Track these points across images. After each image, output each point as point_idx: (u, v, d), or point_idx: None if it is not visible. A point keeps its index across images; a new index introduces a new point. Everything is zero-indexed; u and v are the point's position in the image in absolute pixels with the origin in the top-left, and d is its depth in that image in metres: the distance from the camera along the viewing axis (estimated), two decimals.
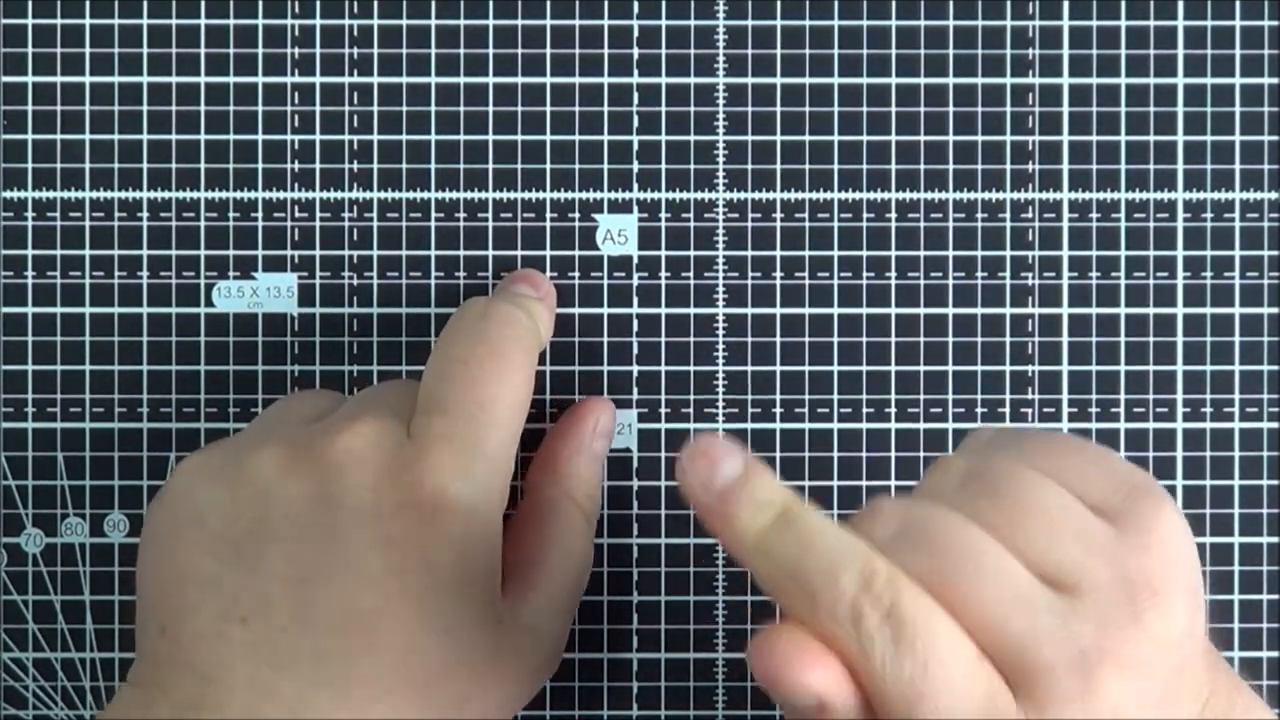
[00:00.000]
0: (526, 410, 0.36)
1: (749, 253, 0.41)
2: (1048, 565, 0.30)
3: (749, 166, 0.41)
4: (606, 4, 0.41)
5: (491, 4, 0.41)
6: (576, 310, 0.41)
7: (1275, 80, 0.41)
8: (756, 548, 0.30)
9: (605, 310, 0.41)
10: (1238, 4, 0.41)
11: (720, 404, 0.41)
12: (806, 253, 0.41)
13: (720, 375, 0.41)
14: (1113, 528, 0.30)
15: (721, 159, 0.41)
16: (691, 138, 0.41)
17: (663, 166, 0.41)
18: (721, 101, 0.41)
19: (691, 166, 0.41)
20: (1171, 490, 0.41)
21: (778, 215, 0.41)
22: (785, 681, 0.29)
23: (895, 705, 0.29)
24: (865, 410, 0.41)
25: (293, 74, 0.41)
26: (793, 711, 0.30)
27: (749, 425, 0.41)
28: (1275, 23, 0.41)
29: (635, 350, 0.41)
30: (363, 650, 0.32)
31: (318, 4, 0.41)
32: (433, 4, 0.41)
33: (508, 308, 0.37)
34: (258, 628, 0.33)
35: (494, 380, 0.35)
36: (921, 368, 0.41)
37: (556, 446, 0.40)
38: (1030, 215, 0.41)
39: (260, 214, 0.41)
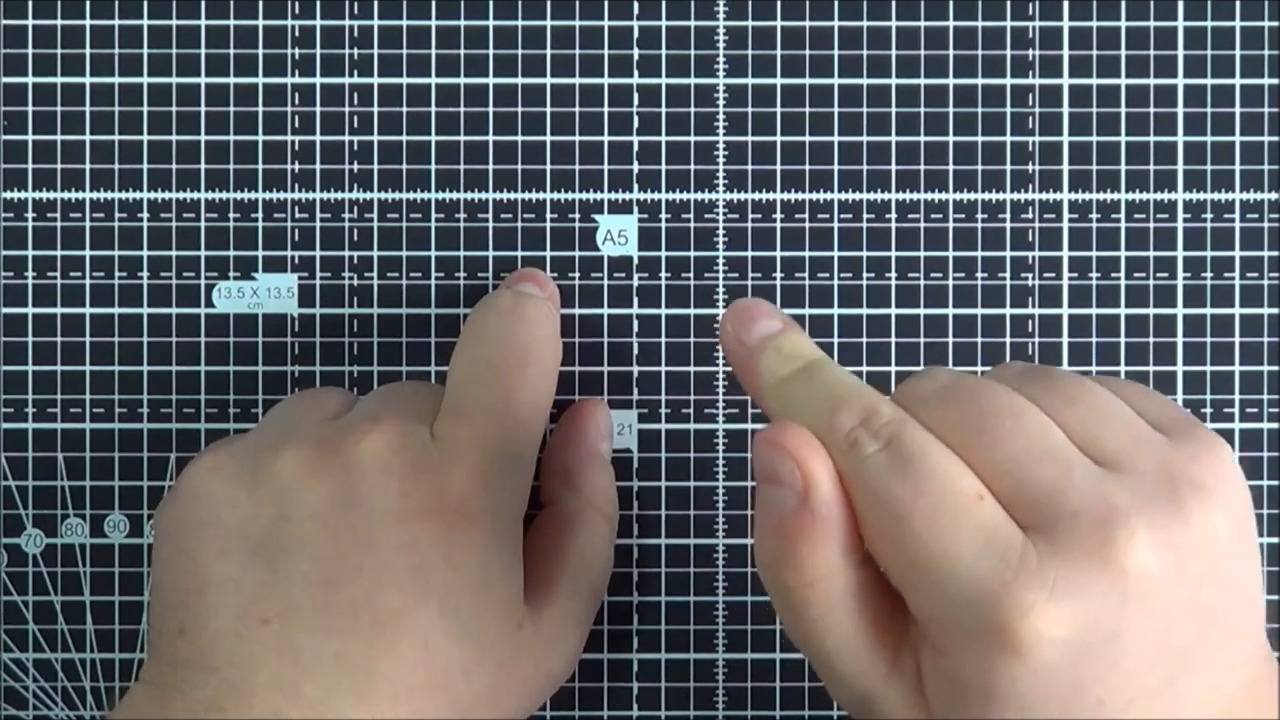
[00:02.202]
0: (549, 411, 0.36)
1: (749, 253, 0.41)
2: (1092, 444, 0.30)
3: (749, 167, 0.41)
4: (606, 5, 0.41)
5: (491, 5, 0.41)
6: (576, 311, 0.41)
7: (1275, 81, 0.41)
8: (773, 393, 0.31)
9: (605, 311, 0.41)
10: (1238, 5, 0.41)
11: (720, 404, 0.41)
12: (806, 253, 0.41)
13: (720, 375, 0.41)
14: (1168, 438, 0.31)
15: (721, 160, 0.41)
16: (691, 138, 0.41)
17: (663, 167, 0.41)
18: (722, 102, 0.41)
19: (691, 167, 0.41)
20: None
21: (778, 216, 0.41)
22: (775, 459, 0.30)
23: (884, 525, 0.29)
24: None
25: (293, 75, 0.41)
26: (779, 504, 0.30)
27: (749, 425, 0.41)
28: (1275, 23, 0.41)
29: (635, 350, 0.41)
30: (385, 651, 0.32)
31: (318, 5, 0.41)
32: (433, 5, 0.41)
33: (535, 304, 0.37)
34: (280, 629, 0.33)
35: (520, 384, 0.35)
36: (922, 368, 0.41)
37: (567, 455, 0.39)
38: (1030, 216, 0.41)
39: (260, 215, 0.41)
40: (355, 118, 0.41)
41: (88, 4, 0.41)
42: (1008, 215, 0.41)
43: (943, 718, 0.30)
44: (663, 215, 0.41)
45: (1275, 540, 0.41)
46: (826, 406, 0.30)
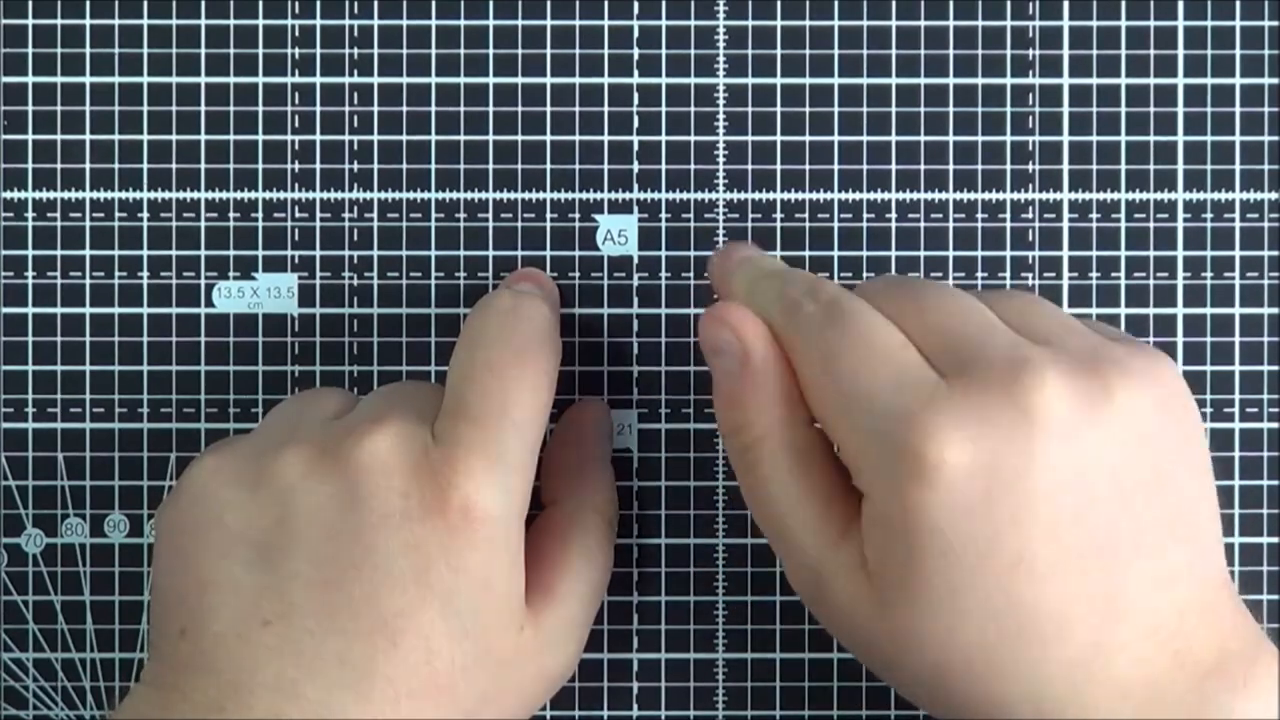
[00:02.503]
0: (549, 411, 0.36)
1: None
2: (1025, 328, 0.33)
3: (749, 167, 0.41)
4: (606, 4, 0.41)
5: (491, 4, 0.41)
6: (576, 310, 0.41)
7: (1275, 80, 0.41)
8: (744, 295, 0.35)
9: (605, 310, 0.41)
10: (1238, 4, 0.41)
11: None
12: (807, 253, 0.41)
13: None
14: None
15: (722, 159, 0.41)
16: (692, 138, 0.41)
17: (663, 167, 0.41)
18: (722, 102, 0.41)
19: (692, 167, 0.41)
20: None
21: (778, 216, 0.41)
22: (715, 331, 0.34)
23: (815, 369, 0.33)
24: None
25: (293, 74, 0.41)
26: (725, 372, 0.34)
27: None
28: (1275, 23, 0.41)
29: (635, 350, 0.41)
30: (386, 653, 0.32)
31: (318, 4, 0.41)
32: (433, 4, 0.41)
33: (533, 304, 0.37)
34: (281, 630, 0.33)
35: (520, 384, 0.35)
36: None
37: (567, 457, 0.39)
38: (1030, 216, 0.41)
39: (260, 214, 0.41)
40: (355, 118, 0.41)
41: (88, 4, 0.41)
42: (1008, 215, 0.41)
43: (880, 574, 0.32)
44: (663, 215, 0.41)
45: (1275, 540, 0.41)
46: (780, 286, 0.35)
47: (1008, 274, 0.41)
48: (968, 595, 0.31)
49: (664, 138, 0.41)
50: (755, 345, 0.34)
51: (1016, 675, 0.31)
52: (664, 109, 0.41)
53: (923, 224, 0.41)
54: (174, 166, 0.41)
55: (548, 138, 0.41)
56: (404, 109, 0.41)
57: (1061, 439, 0.31)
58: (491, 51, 0.41)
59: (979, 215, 0.41)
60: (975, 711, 0.32)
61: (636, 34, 0.41)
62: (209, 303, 0.41)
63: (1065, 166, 0.41)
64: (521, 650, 0.35)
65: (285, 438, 0.35)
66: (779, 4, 0.41)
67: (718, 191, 0.41)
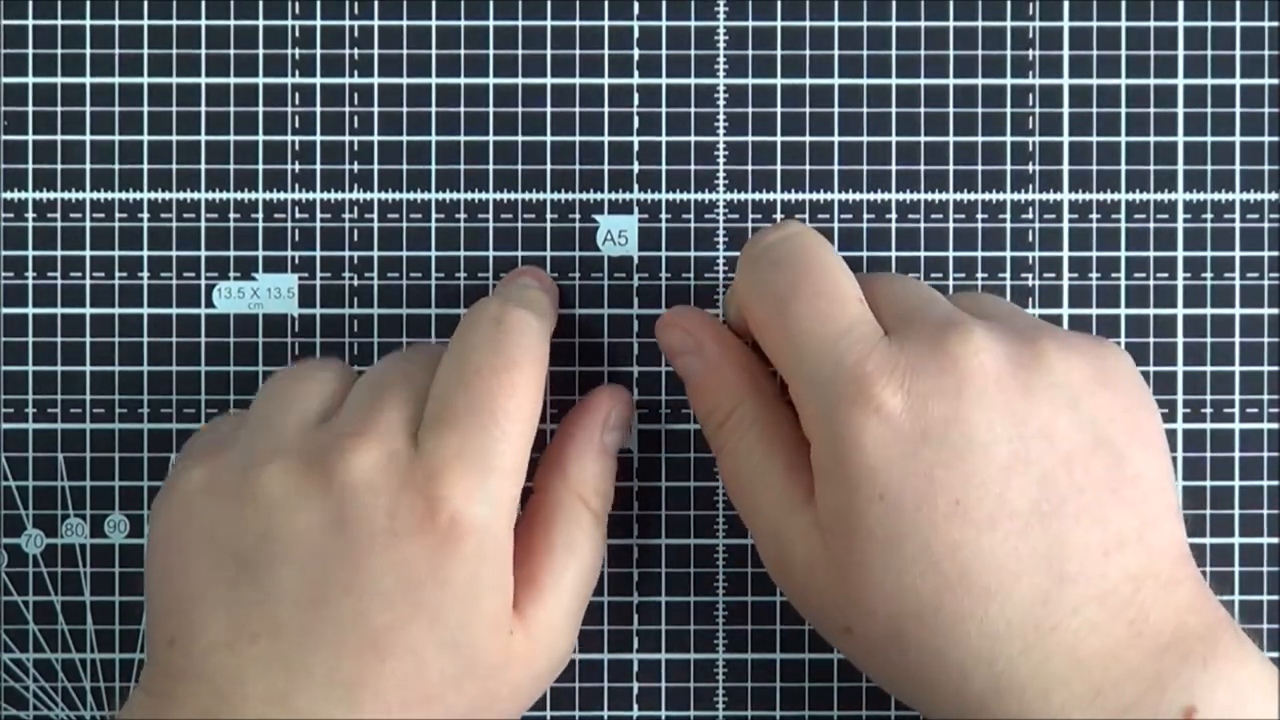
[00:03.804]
0: (538, 419, 0.35)
1: None
2: (977, 310, 0.36)
3: (749, 167, 0.41)
4: (607, 5, 0.41)
5: (492, 5, 0.41)
6: (577, 310, 0.41)
7: (1275, 81, 0.41)
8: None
9: (605, 310, 0.41)
10: (1238, 5, 0.41)
11: None
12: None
13: None
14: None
15: (722, 160, 0.41)
16: (692, 139, 0.41)
17: (663, 167, 0.41)
18: (722, 102, 0.41)
19: (692, 167, 0.41)
20: None
21: (778, 216, 0.41)
22: (670, 335, 0.38)
23: (770, 308, 0.35)
24: None
25: (293, 75, 0.41)
26: (688, 370, 0.38)
27: None
28: (1275, 23, 0.41)
29: (635, 350, 0.41)
30: (375, 666, 0.32)
31: (318, 5, 0.41)
32: (433, 5, 0.41)
33: (521, 314, 0.36)
34: (269, 645, 0.33)
35: (507, 393, 0.35)
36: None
37: (565, 443, 0.39)
38: (1030, 216, 0.41)
39: (261, 215, 0.41)
40: (355, 118, 0.41)
41: (88, 4, 0.41)
42: (1008, 215, 0.41)
43: (829, 529, 0.34)
44: (663, 215, 0.41)
45: (1275, 540, 0.41)
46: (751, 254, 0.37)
47: (1008, 274, 0.41)
48: (908, 542, 0.32)
49: (664, 138, 0.41)
50: (708, 335, 0.37)
51: (965, 632, 0.32)
52: (664, 109, 0.41)
53: (923, 224, 0.41)
54: (174, 167, 0.41)
55: (548, 138, 0.41)
56: (404, 109, 0.41)
57: (991, 393, 0.33)
58: (491, 52, 0.41)
59: (979, 216, 0.41)
60: (936, 684, 0.33)
61: (636, 34, 0.41)
62: (209, 303, 0.41)
63: (1065, 167, 0.41)
64: (512, 654, 0.35)
65: (272, 450, 0.34)
66: (779, 4, 0.41)
67: (718, 192, 0.41)
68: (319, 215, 0.41)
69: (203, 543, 0.34)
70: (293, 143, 0.41)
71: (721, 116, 0.41)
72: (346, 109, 0.41)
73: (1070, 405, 0.33)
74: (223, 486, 0.34)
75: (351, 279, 0.41)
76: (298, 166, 0.41)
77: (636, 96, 0.41)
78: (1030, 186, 0.41)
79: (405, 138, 0.41)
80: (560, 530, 0.37)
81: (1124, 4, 0.41)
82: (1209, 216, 0.41)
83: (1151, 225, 0.41)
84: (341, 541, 0.33)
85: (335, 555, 0.33)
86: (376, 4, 0.41)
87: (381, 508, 0.33)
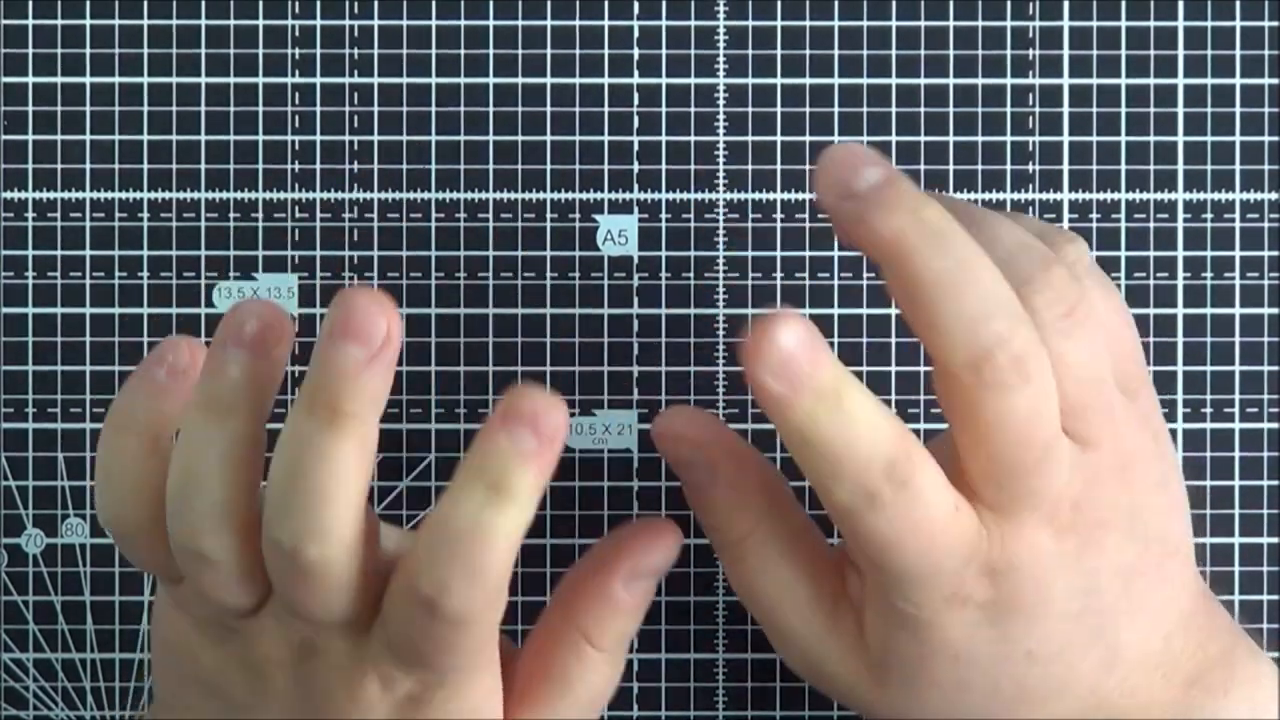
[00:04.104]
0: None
1: (749, 253, 0.41)
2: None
3: (749, 167, 0.41)
4: (607, 5, 0.41)
5: (492, 5, 0.41)
6: (577, 310, 0.41)
7: (1275, 81, 0.41)
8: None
9: (605, 310, 0.41)
10: (1238, 5, 0.41)
11: (720, 404, 0.41)
12: (807, 253, 0.41)
13: (720, 375, 0.41)
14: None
15: (722, 159, 0.41)
16: (692, 138, 0.41)
17: (663, 167, 0.41)
18: (722, 102, 0.41)
19: (692, 167, 0.41)
20: None
21: (778, 216, 0.41)
22: (676, 449, 0.32)
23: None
24: None
25: (293, 74, 0.41)
26: (695, 484, 0.33)
27: (749, 426, 0.41)
28: (1275, 23, 0.41)
29: (635, 350, 0.41)
30: None
31: (318, 5, 0.41)
32: (433, 4, 0.41)
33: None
34: None
35: (473, 641, 0.31)
36: (921, 368, 0.41)
37: (576, 580, 0.34)
38: (1031, 216, 0.41)
39: (261, 214, 0.41)
40: (355, 118, 0.41)
41: (88, 4, 0.41)
42: None
43: (882, 666, 0.33)
44: (663, 215, 0.41)
45: (1275, 540, 0.41)
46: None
47: None
48: (975, 689, 0.32)
49: (664, 138, 0.41)
50: (722, 452, 0.32)
51: None
52: (664, 109, 0.41)
53: None
54: (174, 167, 0.41)
55: (548, 138, 0.41)
56: (404, 109, 0.41)
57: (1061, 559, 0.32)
58: (491, 51, 0.41)
59: None
60: None
61: (636, 34, 0.41)
62: (209, 303, 0.41)
63: (1065, 167, 0.41)
64: None
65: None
66: (779, 4, 0.41)
67: (718, 191, 0.41)
68: (319, 215, 0.41)
69: (189, 662, 0.33)
70: (293, 142, 0.41)
71: (721, 116, 0.41)
72: (346, 109, 0.41)
73: (1126, 521, 0.32)
74: (211, 632, 0.33)
75: (351, 278, 0.41)
76: (298, 166, 0.41)
77: (636, 96, 0.41)
78: (1030, 186, 0.41)
79: (405, 137, 0.41)
80: (556, 663, 0.33)
81: (1124, 4, 0.41)
82: (1209, 216, 0.41)
83: (1151, 225, 0.41)
84: (309, 708, 0.32)
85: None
86: (376, 4, 0.41)
87: (345, 688, 0.32)
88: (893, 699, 0.33)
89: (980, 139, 0.41)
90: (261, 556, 0.30)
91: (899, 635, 0.32)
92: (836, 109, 0.41)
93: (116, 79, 0.41)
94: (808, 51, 0.41)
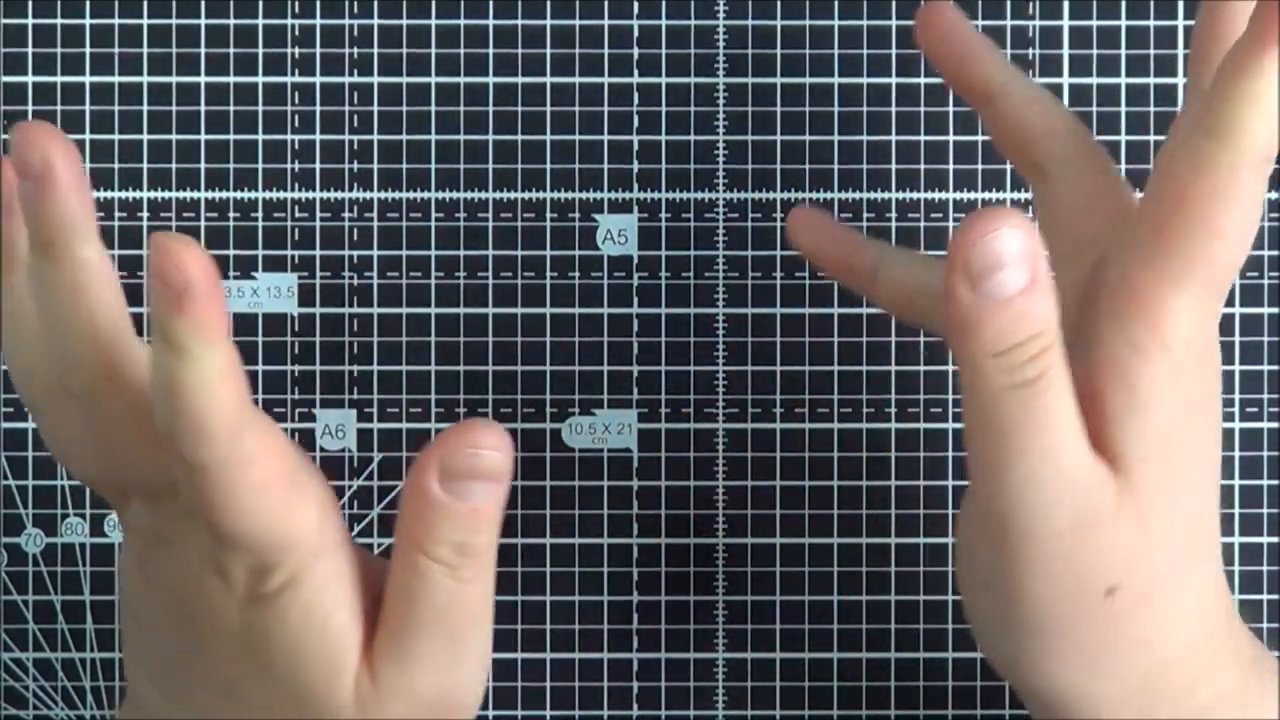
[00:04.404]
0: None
1: (749, 252, 0.41)
2: None
3: (749, 166, 0.41)
4: (606, 4, 0.41)
5: (491, 4, 0.41)
6: (576, 310, 0.41)
7: None
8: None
9: (605, 310, 0.41)
10: None
11: (720, 404, 0.41)
12: None
13: (720, 375, 0.41)
14: None
15: (722, 159, 0.41)
16: (692, 138, 0.41)
17: (663, 166, 0.41)
18: (722, 101, 0.41)
19: (692, 166, 0.41)
20: None
21: (778, 215, 0.41)
22: (994, 242, 0.28)
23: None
24: (865, 410, 0.41)
25: (293, 74, 0.41)
26: (1007, 278, 0.28)
27: (749, 425, 0.41)
28: None
29: (635, 350, 0.41)
30: (229, 709, 0.31)
31: (318, 4, 0.41)
32: (433, 4, 0.41)
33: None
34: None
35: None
36: (922, 368, 0.41)
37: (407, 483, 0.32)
38: (1031, 216, 0.41)
39: (260, 214, 0.41)
40: (355, 117, 0.41)
41: (88, 3, 0.41)
42: None
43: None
44: (663, 215, 0.41)
45: (1275, 540, 0.41)
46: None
47: None
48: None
49: (664, 137, 0.41)
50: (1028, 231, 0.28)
51: None
52: (664, 109, 0.41)
53: (923, 224, 0.41)
54: (174, 166, 0.41)
55: (548, 138, 0.41)
56: (404, 109, 0.41)
57: None
58: (491, 51, 0.41)
59: None
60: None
61: (636, 34, 0.41)
62: None
63: None
64: (361, 699, 0.32)
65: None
66: (779, 4, 0.41)
67: (718, 191, 0.41)
68: (319, 214, 0.41)
69: (141, 618, 0.33)
70: (293, 142, 0.41)
71: (721, 116, 0.41)
72: (346, 108, 0.41)
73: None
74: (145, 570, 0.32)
75: (351, 278, 0.41)
76: (298, 166, 0.41)
77: (636, 96, 0.41)
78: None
79: (405, 137, 0.41)
80: (395, 577, 0.32)
81: (1124, 4, 0.41)
82: None
83: None
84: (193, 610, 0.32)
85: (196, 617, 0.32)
86: (376, 3, 0.41)
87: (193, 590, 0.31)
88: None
89: (980, 139, 0.41)
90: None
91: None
92: (836, 109, 0.41)
93: (116, 79, 0.41)
94: (808, 51, 0.41)
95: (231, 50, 0.41)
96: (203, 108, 0.41)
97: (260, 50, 0.41)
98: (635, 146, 0.41)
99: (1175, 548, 0.30)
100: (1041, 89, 0.34)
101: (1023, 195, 0.41)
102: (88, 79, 0.41)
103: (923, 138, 0.41)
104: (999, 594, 0.31)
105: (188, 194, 0.41)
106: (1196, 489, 0.31)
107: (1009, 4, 0.41)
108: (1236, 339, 0.41)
